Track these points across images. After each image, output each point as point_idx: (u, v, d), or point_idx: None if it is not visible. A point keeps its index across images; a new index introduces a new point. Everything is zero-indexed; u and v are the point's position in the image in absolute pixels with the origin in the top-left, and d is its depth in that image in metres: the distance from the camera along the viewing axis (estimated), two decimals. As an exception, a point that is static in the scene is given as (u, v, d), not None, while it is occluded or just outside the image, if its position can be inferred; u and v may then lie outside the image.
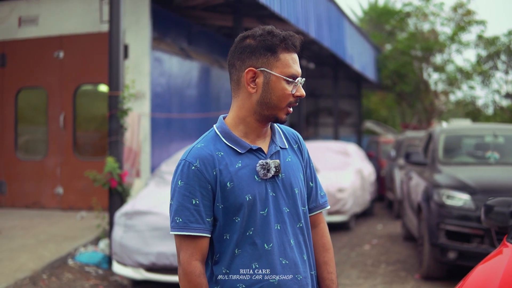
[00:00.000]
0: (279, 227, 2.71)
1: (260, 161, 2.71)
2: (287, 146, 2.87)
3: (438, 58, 30.08)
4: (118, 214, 8.32)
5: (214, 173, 2.66)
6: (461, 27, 28.76)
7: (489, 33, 34.71)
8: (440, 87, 31.16)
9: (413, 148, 12.11)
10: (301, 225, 2.79)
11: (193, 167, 2.67)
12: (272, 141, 2.82)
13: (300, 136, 2.98)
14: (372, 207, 17.17)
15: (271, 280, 2.66)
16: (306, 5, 15.06)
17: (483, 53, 30.04)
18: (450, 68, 30.24)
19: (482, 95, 33.63)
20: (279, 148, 2.81)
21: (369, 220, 16.09)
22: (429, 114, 30.96)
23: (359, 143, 28.30)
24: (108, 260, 9.28)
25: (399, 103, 33.54)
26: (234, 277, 2.67)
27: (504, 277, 3.35)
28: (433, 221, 8.93)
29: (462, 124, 13.59)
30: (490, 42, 29.35)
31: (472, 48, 29.78)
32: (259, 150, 2.75)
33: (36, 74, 13.11)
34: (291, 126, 19.39)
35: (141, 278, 8.05)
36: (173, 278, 7.88)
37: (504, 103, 35.50)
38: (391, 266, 10.23)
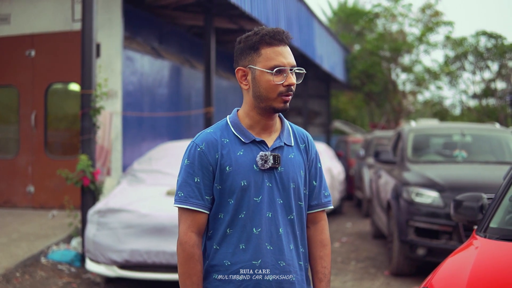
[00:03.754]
0: (270, 215, 2.93)
1: (260, 153, 2.94)
2: (293, 144, 3.07)
3: (406, 59, 30.36)
4: (91, 212, 8.35)
5: (217, 156, 2.93)
6: (429, 28, 29.06)
7: (456, 34, 35.14)
8: (408, 87, 31.46)
9: (383, 147, 12.27)
10: (292, 217, 2.99)
11: (198, 149, 2.95)
12: (279, 137, 3.03)
13: (310, 138, 3.19)
14: (341, 205, 17.31)
15: (253, 262, 2.89)
16: (276, 5, 15.16)
17: (451, 53, 30.36)
18: (418, 68, 30.54)
19: (449, 95, 34.02)
20: (283, 144, 3.02)
21: (338, 219, 16.24)
22: (397, 114, 31.21)
23: (328, 142, 28.48)
24: (81, 258, 9.30)
25: (368, 103, 33.81)
26: (222, 253, 2.92)
27: (474, 267, 3.50)
28: (402, 218, 9.08)
29: (430, 124, 13.79)
30: (458, 43, 29.65)
31: (440, 49, 30.10)
32: (262, 142, 2.98)
33: (8, 72, 13.08)
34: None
35: (114, 275, 8.08)
36: (147, 275, 7.94)
37: (471, 103, 35.90)
38: (361, 263, 10.37)
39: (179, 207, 2.95)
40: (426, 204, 8.91)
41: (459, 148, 10.78)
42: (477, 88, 34.43)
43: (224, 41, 17.89)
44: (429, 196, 8.94)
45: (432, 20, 29.38)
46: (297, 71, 2.96)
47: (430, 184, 9.11)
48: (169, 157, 9.88)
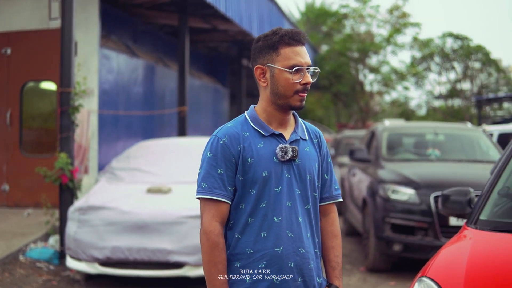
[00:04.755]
0: (290, 205, 3.08)
1: (280, 145, 3.09)
2: (307, 138, 3.24)
3: (373, 60, 30.65)
4: (72, 209, 8.37)
5: (239, 148, 3.07)
6: (396, 29, 29.38)
7: (423, 36, 35.48)
8: (376, 87, 31.77)
9: (357, 146, 12.44)
10: (308, 207, 3.16)
11: (221, 142, 3.08)
12: (295, 131, 3.19)
13: (321, 134, 3.35)
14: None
15: (275, 249, 3.02)
16: (249, 5, 15.28)
17: (418, 55, 30.73)
18: (385, 69, 30.85)
19: (416, 96, 34.44)
20: (299, 138, 3.18)
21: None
22: (364, 114, 31.52)
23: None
24: (59, 255, 9.32)
25: (335, 103, 34.09)
26: (244, 242, 3.06)
27: (471, 256, 3.68)
28: (378, 215, 9.25)
29: (400, 123, 13.99)
30: (425, 44, 30.04)
31: (407, 50, 30.46)
32: (281, 135, 3.13)
33: (-17, 71, 13.01)
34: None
35: (95, 272, 8.11)
36: (128, 272, 7.99)
37: (437, 103, 36.34)
38: (336, 260, 10.48)
39: (202, 198, 3.06)
40: (402, 201, 9.09)
41: (432, 147, 11.02)
42: (443, 89, 34.87)
43: (196, 40, 17.97)
44: (405, 193, 9.12)
45: (399, 22, 29.71)
46: (313, 70, 3.12)
47: (406, 182, 9.29)
48: (148, 155, 9.94)
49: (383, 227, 9.15)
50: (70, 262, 8.27)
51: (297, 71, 3.04)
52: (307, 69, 3.08)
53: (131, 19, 14.94)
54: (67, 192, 9.54)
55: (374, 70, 30.43)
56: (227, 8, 13.23)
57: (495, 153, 10.68)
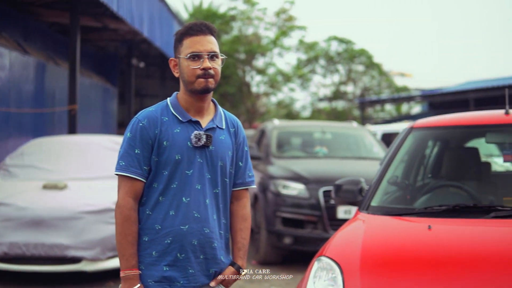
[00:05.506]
0: (199, 187, 3.33)
1: (195, 132, 3.34)
2: (224, 127, 3.47)
3: (260, 61, 31.08)
4: (-34, 206, 8.30)
5: (156, 132, 3.31)
6: (283, 32, 29.88)
7: (309, 39, 36.29)
8: (262, 89, 32.24)
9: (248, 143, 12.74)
10: (217, 191, 3.41)
11: (140, 124, 3.32)
12: (212, 119, 3.42)
13: (239, 124, 3.60)
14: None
15: (181, 227, 3.29)
16: (140, 5, 15.34)
17: (303, 57, 31.37)
18: (271, 71, 31.34)
19: (301, 97, 35.17)
20: (215, 126, 3.41)
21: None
22: (251, 115, 31.93)
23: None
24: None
25: (223, 104, 34.38)
26: (154, 218, 3.31)
27: (365, 236, 4.08)
28: (269, 209, 9.61)
29: (292, 122, 14.44)
30: (310, 47, 30.72)
31: (293, 52, 31.04)
32: (197, 123, 3.37)
33: None
34: (121, 124, 19.36)
35: (-9, 268, 8.09)
36: (26, 268, 7.97)
37: (321, 105, 37.20)
38: (228, 254, 10.73)
39: (119, 175, 3.30)
40: (293, 196, 9.48)
41: (320, 145, 11.51)
42: (327, 91, 35.77)
43: (85, 39, 17.89)
44: (295, 188, 9.51)
45: (286, 25, 30.23)
46: (214, 55, 3.35)
47: (296, 177, 9.69)
48: (42, 152, 9.89)
49: (274, 221, 9.50)
50: (-35, 259, 8.19)
51: (196, 57, 3.29)
52: (208, 55, 3.31)
53: (23, 16, 14.79)
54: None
55: (261, 71, 30.88)
56: (119, 7, 13.29)
57: (379, 151, 11.27)
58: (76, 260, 7.94)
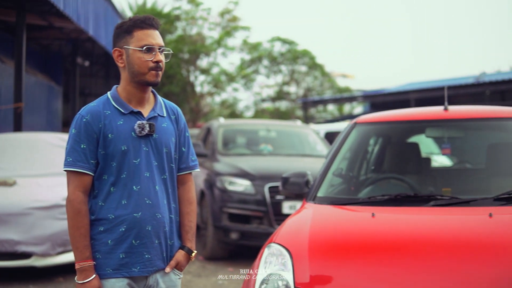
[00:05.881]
0: (148, 175, 3.47)
1: (138, 122, 3.46)
2: (165, 115, 3.61)
3: (204, 61, 31.17)
4: None
5: (100, 126, 3.42)
6: (227, 32, 29.99)
7: (253, 39, 36.54)
8: (206, 88, 32.35)
9: (193, 141, 12.93)
10: (165, 177, 3.55)
11: (84, 120, 3.42)
12: (153, 109, 3.56)
13: (179, 110, 3.73)
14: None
15: (135, 214, 3.42)
16: (86, 4, 15.37)
17: (247, 57, 31.55)
18: (215, 70, 31.46)
19: (244, 97, 35.39)
20: (157, 115, 3.55)
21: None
22: (195, 115, 32.01)
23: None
24: None
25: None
26: (107, 208, 3.43)
27: (313, 223, 4.36)
28: (216, 205, 9.81)
29: (237, 120, 14.66)
30: (254, 47, 30.92)
31: (237, 53, 31.18)
32: (139, 113, 3.50)
33: None
34: (66, 123, 19.30)
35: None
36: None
37: (264, 105, 37.46)
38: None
39: (68, 170, 3.41)
40: (239, 192, 9.71)
41: (265, 143, 11.78)
42: (271, 91, 36.04)
43: (30, 37, 17.82)
44: (241, 185, 9.74)
45: (230, 25, 30.36)
46: (165, 52, 3.53)
47: (242, 174, 9.91)
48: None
49: (221, 217, 9.71)
50: None
51: (149, 50, 3.43)
52: (159, 49, 3.46)
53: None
54: None
55: (204, 71, 30.98)
56: (65, 5, 13.31)
57: (322, 148, 11.59)
58: (26, 255, 7.98)
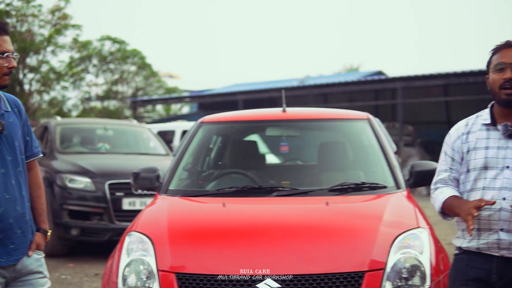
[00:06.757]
0: (3, 171, 3.62)
1: None
2: (9, 110, 3.72)
3: (34, 59, 30.49)
4: None
5: None
6: (57, 30, 29.45)
7: (84, 37, 36.08)
8: (35, 86, 31.66)
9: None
10: (20, 169, 3.73)
11: None
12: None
13: (19, 102, 3.86)
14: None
15: None
16: None
17: (77, 56, 31.20)
18: (45, 68, 30.86)
19: (73, 96, 34.83)
20: (3, 112, 3.67)
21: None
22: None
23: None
24: None
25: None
26: None
27: (169, 212, 4.88)
28: (56, 203, 9.94)
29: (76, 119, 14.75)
30: (83, 45, 30.62)
31: (68, 51, 30.73)
32: None
33: None
34: None
35: None
36: None
37: (93, 104, 37.24)
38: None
39: None
40: (79, 189, 9.92)
41: (102, 141, 12.01)
42: (100, 90, 35.87)
43: None
44: (82, 182, 9.94)
45: (60, 23, 29.84)
46: (14, 56, 3.64)
47: (82, 171, 10.12)
48: None
49: (61, 214, 9.84)
50: None
51: (3, 55, 3.55)
52: (12, 54, 3.60)
53: None
54: None
55: (34, 69, 30.31)
56: None
57: (157, 147, 12.05)
58: None
